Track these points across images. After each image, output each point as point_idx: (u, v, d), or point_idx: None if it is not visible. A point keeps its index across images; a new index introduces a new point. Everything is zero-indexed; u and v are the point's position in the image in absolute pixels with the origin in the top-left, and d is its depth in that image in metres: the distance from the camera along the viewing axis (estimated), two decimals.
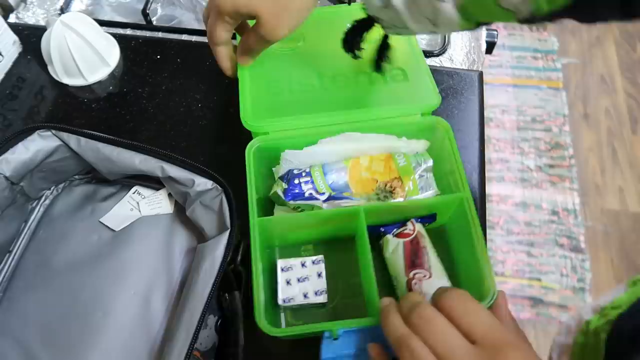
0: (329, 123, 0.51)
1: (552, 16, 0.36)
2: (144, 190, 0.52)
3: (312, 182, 0.50)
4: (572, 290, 1.40)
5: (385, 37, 0.53)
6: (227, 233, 0.43)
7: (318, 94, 0.54)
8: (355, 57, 0.53)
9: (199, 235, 0.49)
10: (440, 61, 0.68)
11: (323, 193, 0.49)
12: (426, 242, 0.49)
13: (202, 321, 0.40)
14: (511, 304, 1.37)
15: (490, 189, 1.55)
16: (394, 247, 0.48)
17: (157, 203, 0.51)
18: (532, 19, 0.38)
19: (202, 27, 0.73)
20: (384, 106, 0.53)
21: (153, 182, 0.51)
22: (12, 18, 0.72)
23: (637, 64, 1.81)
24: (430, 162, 0.51)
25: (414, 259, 0.47)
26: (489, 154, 1.61)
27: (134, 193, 0.52)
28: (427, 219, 0.51)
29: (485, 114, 1.42)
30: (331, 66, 0.57)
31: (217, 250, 0.43)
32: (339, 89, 0.55)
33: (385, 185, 0.50)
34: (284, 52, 0.58)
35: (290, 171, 0.51)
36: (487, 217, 0.57)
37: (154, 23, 0.72)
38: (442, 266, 0.48)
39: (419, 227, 0.49)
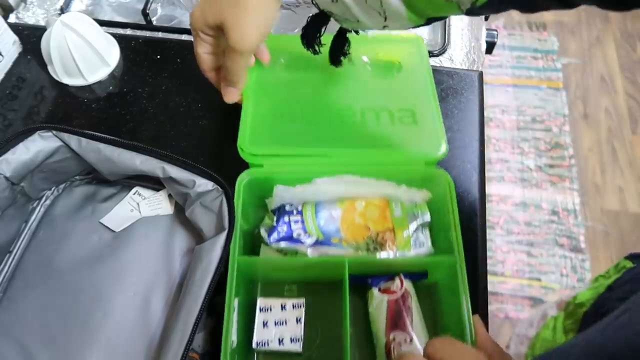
0: (327, 162, 0.49)
1: (493, 6, 0.37)
2: (144, 191, 0.52)
3: (302, 222, 0.47)
4: (572, 290, 1.39)
5: (342, 31, 0.52)
6: (224, 234, 0.43)
7: (321, 128, 0.53)
8: (315, 52, 0.52)
9: (199, 237, 0.49)
10: (440, 61, 0.68)
11: (311, 236, 0.47)
12: (412, 302, 0.46)
13: (198, 323, 0.39)
14: (511, 304, 1.38)
15: (490, 189, 1.55)
16: (378, 302, 0.46)
17: (157, 204, 0.51)
18: (473, 10, 0.38)
19: None
20: (386, 150, 0.51)
21: (153, 182, 0.51)
22: (12, 18, 0.72)
23: (637, 64, 1.81)
24: (427, 217, 0.49)
25: (396, 319, 0.44)
26: (489, 154, 1.61)
27: (134, 194, 0.52)
28: (417, 275, 0.48)
29: (485, 114, 1.42)
30: (340, 99, 0.55)
31: (213, 251, 0.42)
32: (345, 125, 0.53)
33: (377, 236, 0.47)
34: (293, 80, 0.57)
35: (282, 206, 0.49)
36: (487, 217, 0.57)
37: (154, 23, 0.72)
38: (425, 330, 0.45)
39: (407, 284, 0.47)
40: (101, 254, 0.48)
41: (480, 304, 0.50)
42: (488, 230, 1.14)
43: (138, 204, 0.51)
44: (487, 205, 0.57)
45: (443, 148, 0.50)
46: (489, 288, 1.35)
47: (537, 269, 1.43)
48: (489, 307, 0.53)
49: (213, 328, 0.46)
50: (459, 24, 0.71)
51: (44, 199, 0.53)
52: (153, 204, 0.51)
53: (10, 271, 0.49)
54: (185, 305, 0.41)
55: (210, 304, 0.42)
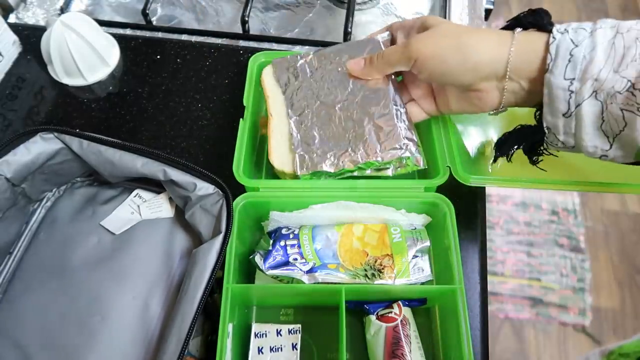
0: (325, 186, 0.49)
1: None
2: (145, 194, 0.52)
3: (299, 247, 0.47)
4: (572, 290, 1.40)
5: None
6: (221, 237, 0.42)
7: None
8: (509, 159, 0.49)
9: (198, 240, 0.48)
10: None
11: (306, 263, 0.46)
12: (411, 331, 0.45)
13: (194, 327, 0.39)
14: (511, 304, 1.38)
15: (490, 189, 1.55)
16: (376, 330, 0.45)
17: (157, 207, 0.51)
18: None
19: (202, 27, 0.74)
20: (385, 178, 0.50)
21: (154, 185, 0.51)
22: (12, 18, 0.71)
23: None
24: (427, 243, 0.48)
25: (394, 348, 0.43)
26: None
27: (134, 196, 0.52)
28: (416, 302, 0.47)
29: None
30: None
31: (209, 255, 0.42)
32: None
33: (375, 262, 0.46)
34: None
35: (278, 229, 0.48)
36: (487, 217, 0.57)
37: (154, 23, 0.72)
38: (424, 358, 0.45)
39: (405, 311, 0.46)
40: (101, 257, 0.48)
41: (480, 304, 0.51)
42: (488, 230, 1.14)
43: (139, 206, 0.51)
44: (487, 205, 0.57)
45: (443, 174, 0.49)
46: (489, 288, 1.36)
47: (537, 269, 1.43)
48: (489, 307, 0.53)
49: (210, 333, 0.46)
50: (458, 23, 0.71)
51: (44, 200, 0.53)
52: (153, 207, 0.51)
53: (10, 272, 0.49)
54: (181, 309, 0.40)
55: (208, 308, 0.42)
